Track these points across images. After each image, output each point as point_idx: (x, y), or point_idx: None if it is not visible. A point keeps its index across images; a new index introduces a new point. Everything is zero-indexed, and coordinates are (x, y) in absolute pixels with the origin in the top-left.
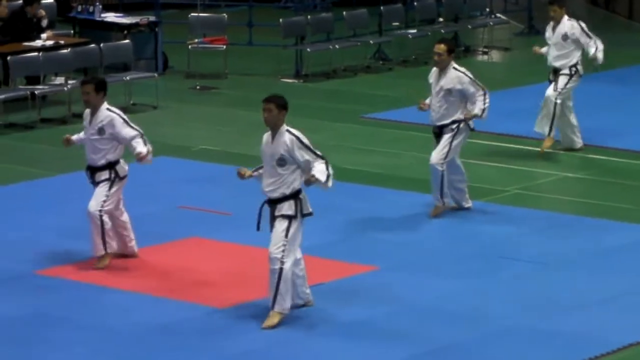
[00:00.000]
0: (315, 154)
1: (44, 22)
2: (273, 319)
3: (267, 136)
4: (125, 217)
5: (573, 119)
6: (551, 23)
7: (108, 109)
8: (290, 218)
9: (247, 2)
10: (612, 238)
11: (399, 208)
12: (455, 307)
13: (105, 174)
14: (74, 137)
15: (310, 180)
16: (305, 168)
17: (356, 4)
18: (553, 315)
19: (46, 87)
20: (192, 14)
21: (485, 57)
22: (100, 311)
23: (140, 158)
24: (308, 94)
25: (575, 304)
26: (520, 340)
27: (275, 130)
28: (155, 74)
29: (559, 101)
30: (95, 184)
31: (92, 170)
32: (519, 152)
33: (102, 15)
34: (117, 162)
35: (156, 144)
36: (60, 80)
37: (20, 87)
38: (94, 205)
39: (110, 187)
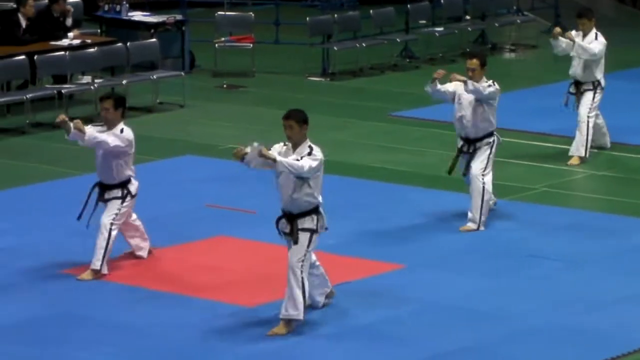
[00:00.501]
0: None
1: (69, 21)
2: (282, 328)
3: (284, 148)
4: (138, 222)
5: (600, 120)
6: (580, 34)
7: (123, 129)
8: (311, 232)
9: (273, 1)
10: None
11: (425, 206)
12: (481, 306)
13: (116, 192)
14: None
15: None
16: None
17: (383, 2)
18: (579, 314)
19: (73, 86)
20: (219, 13)
21: (513, 54)
22: (126, 310)
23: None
24: (335, 92)
25: (602, 302)
26: (546, 339)
27: (297, 145)
28: (182, 73)
29: (591, 122)
30: (105, 201)
31: (103, 187)
32: (546, 150)
33: (129, 14)
34: (128, 180)
35: (183, 142)
36: (87, 79)
37: (47, 86)
38: (106, 217)
39: (122, 203)
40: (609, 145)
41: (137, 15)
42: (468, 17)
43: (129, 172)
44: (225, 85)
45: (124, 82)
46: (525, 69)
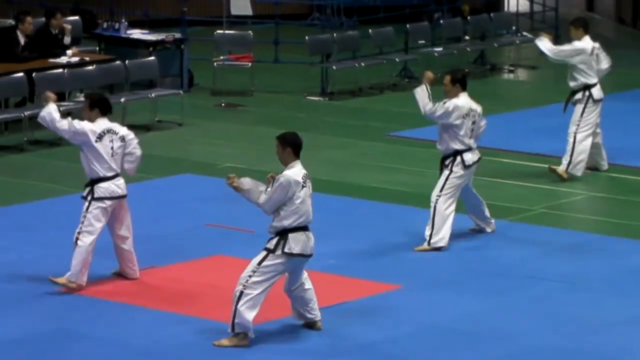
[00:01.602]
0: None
1: (67, 40)
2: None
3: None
4: (127, 244)
5: (598, 140)
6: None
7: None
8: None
9: (273, 20)
10: (639, 258)
11: (423, 226)
12: (479, 326)
13: (86, 192)
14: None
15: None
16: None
17: (382, 22)
18: (579, 335)
19: (71, 103)
20: (218, 31)
21: (512, 75)
22: (124, 328)
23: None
24: (334, 111)
25: (602, 324)
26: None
27: (285, 166)
28: (181, 91)
29: (579, 137)
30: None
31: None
32: (544, 171)
33: (128, 32)
34: (97, 180)
35: (182, 161)
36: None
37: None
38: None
39: (87, 209)
40: (604, 167)
41: (136, 34)
42: (467, 38)
43: (98, 171)
44: (223, 104)
45: (123, 100)
46: (525, 89)
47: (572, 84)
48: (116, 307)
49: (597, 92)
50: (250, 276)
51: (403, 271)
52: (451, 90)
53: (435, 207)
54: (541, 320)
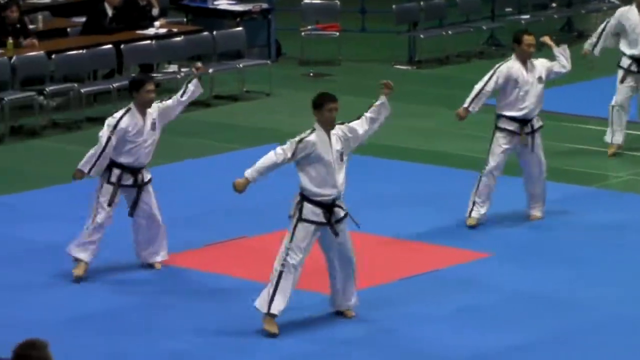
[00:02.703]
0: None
1: (155, 11)
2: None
3: (319, 137)
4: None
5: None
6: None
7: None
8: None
9: None
10: None
11: (513, 195)
12: (566, 294)
13: (148, 174)
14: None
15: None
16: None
17: None
18: None
19: (159, 75)
20: (305, 1)
21: None
22: (208, 298)
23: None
24: (421, 80)
25: None
26: (633, 329)
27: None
28: (268, 61)
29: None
30: (144, 184)
31: (136, 171)
32: (631, 138)
33: (215, 2)
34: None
35: (270, 131)
36: (173, 68)
37: (134, 75)
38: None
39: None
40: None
41: (223, 4)
42: (554, 5)
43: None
44: (311, 74)
45: (210, 70)
46: (611, 56)
47: None
48: (199, 277)
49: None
50: (284, 250)
51: (493, 239)
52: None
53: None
54: (630, 288)
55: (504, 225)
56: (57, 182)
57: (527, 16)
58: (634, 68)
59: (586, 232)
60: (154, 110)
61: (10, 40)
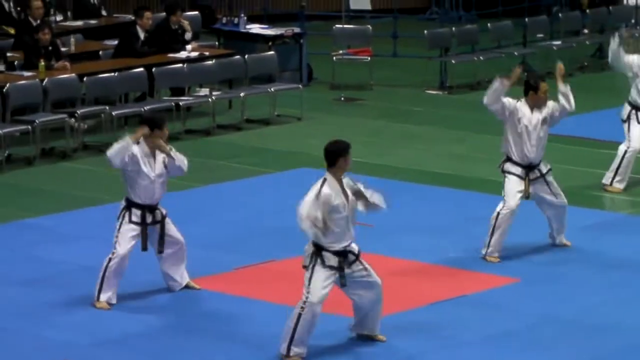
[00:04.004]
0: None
1: (188, 35)
2: None
3: (333, 189)
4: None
5: None
6: None
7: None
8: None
9: (391, 14)
10: None
11: (541, 220)
12: (599, 319)
13: (164, 210)
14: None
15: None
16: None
17: (501, 16)
18: None
19: (191, 98)
20: (337, 26)
21: None
22: (241, 322)
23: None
24: (453, 105)
25: None
26: None
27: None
28: (300, 85)
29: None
30: (156, 222)
31: (153, 208)
32: None
33: (247, 26)
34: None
35: (301, 155)
36: (204, 91)
37: (165, 98)
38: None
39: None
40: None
41: (255, 28)
42: (586, 31)
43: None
44: (342, 98)
45: (242, 94)
46: None
47: None
48: (229, 300)
49: None
50: (304, 295)
51: (521, 265)
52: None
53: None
54: None
55: (530, 251)
56: (87, 205)
57: (559, 42)
58: None
59: (613, 257)
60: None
61: (43, 63)
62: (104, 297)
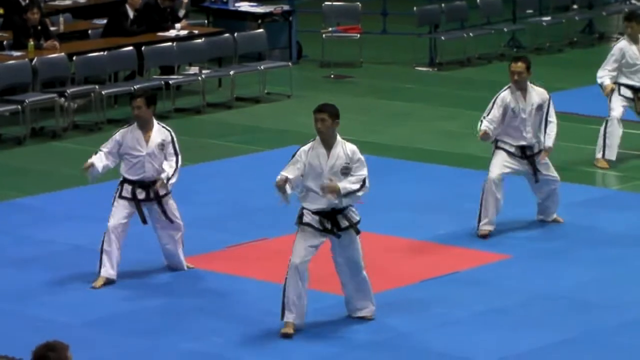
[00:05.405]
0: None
1: (181, 12)
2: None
3: (314, 149)
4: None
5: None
6: (631, 45)
7: (159, 123)
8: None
9: None
10: None
11: (532, 196)
12: (590, 296)
13: (164, 189)
14: (98, 164)
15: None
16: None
17: None
18: None
19: (180, 77)
20: (326, 3)
21: None
22: (234, 300)
23: (160, 185)
24: (442, 82)
25: None
26: None
27: (329, 141)
28: (290, 63)
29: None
30: (157, 198)
31: (147, 185)
32: None
33: (236, 4)
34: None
35: (291, 133)
36: (194, 70)
37: (155, 77)
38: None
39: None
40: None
41: (244, 6)
42: (575, 7)
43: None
44: (332, 76)
45: (231, 72)
46: None
47: None
48: (226, 279)
49: None
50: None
51: (512, 241)
52: (526, 76)
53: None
54: None
55: (521, 227)
56: (78, 184)
57: (548, 18)
58: None
59: (605, 233)
60: (164, 133)
61: (32, 42)
62: (103, 271)
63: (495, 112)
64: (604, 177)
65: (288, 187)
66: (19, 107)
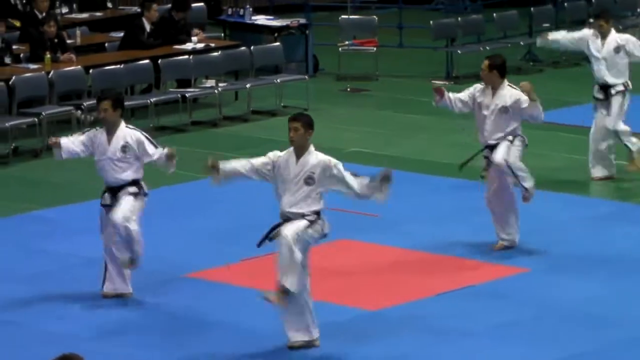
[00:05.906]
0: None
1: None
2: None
3: (287, 155)
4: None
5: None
6: (597, 38)
7: (127, 127)
8: None
9: (397, 4)
10: None
11: (551, 209)
12: (603, 310)
13: (131, 189)
14: (65, 145)
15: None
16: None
17: (506, 5)
18: None
19: (197, 90)
20: (343, 16)
21: None
22: (248, 313)
23: (170, 155)
24: None
25: None
26: None
27: (300, 150)
28: (306, 76)
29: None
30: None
31: (114, 190)
32: None
33: (253, 17)
34: (139, 180)
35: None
36: (210, 83)
37: (171, 90)
38: (120, 215)
39: (135, 199)
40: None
41: (261, 19)
42: (592, 20)
43: (141, 172)
44: (349, 89)
45: (248, 85)
46: None
47: (613, 78)
48: (238, 292)
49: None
50: None
51: (530, 255)
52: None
53: None
54: None
55: (541, 241)
56: (94, 197)
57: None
58: None
59: (622, 247)
60: (128, 135)
61: (48, 55)
62: (106, 286)
63: (465, 92)
64: (619, 191)
65: (220, 171)
66: (36, 119)
